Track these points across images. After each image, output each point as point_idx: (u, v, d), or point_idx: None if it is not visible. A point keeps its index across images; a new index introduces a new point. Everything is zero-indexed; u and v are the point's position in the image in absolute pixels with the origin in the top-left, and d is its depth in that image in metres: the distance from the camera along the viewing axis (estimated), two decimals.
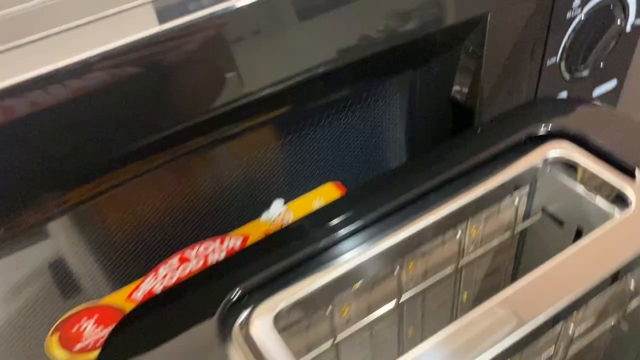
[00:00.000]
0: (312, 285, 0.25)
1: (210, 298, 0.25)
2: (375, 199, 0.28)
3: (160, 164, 0.29)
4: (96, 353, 0.33)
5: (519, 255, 0.35)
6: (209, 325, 0.24)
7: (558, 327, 0.26)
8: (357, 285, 0.27)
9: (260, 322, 0.24)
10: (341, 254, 0.26)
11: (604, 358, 0.32)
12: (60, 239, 0.29)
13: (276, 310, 0.24)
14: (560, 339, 0.27)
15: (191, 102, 0.25)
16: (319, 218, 0.28)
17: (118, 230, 0.30)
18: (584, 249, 0.25)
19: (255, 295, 0.25)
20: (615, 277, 0.25)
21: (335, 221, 0.28)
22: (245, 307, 0.25)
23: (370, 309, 0.29)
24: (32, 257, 0.29)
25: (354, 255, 0.26)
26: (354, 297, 0.28)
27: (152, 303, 0.27)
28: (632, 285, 0.27)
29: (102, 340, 0.33)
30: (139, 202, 0.30)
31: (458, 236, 0.30)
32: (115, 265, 0.31)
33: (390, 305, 0.30)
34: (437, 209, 0.28)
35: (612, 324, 0.29)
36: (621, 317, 0.29)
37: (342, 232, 0.27)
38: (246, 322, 0.24)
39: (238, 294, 0.25)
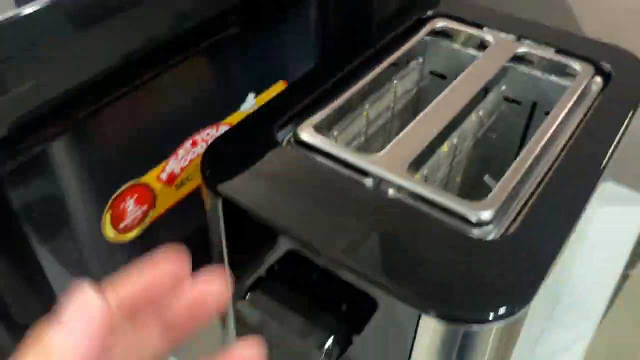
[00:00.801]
0: (335, 104, 0.37)
1: (267, 125, 0.35)
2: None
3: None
4: (134, 233, 0.40)
5: None
6: (269, 138, 0.34)
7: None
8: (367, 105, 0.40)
9: (306, 132, 0.35)
10: (343, 90, 0.38)
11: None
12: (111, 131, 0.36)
13: (315, 123, 0.36)
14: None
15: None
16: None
17: (149, 124, 0.38)
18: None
19: (296, 120, 0.36)
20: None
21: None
22: (292, 127, 0.36)
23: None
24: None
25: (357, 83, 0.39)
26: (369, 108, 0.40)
27: (226, 136, 0.36)
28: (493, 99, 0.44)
29: (139, 219, 0.40)
30: (160, 102, 0.38)
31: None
32: (148, 150, 0.39)
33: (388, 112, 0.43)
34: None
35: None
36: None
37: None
38: (295, 135, 0.35)
39: (285, 119, 0.36)
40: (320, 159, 0.34)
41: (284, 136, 0.36)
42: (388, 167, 0.33)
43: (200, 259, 0.47)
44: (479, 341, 0.26)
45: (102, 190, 0.36)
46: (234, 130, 0.37)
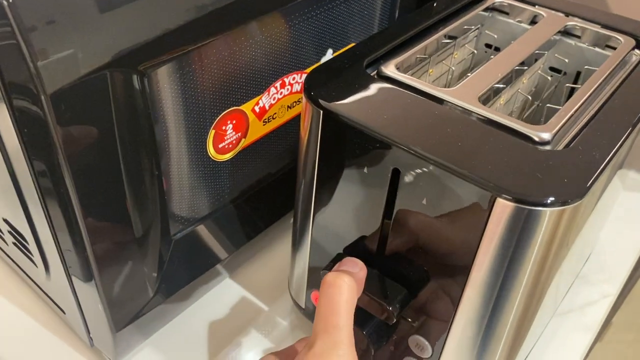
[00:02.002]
0: (407, 53, 0.43)
1: (357, 61, 0.42)
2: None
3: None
4: (227, 156, 0.46)
5: None
6: (359, 70, 0.41)
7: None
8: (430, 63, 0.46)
9: (388, 69, 0.41)
10: (412, 44, 0.45)
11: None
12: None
13: (395, 62, 0.42)
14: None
15: None
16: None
17: (248, 63, 0.45)
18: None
19: (380, 61, 0.42)
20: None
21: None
22: (376, 66, 0.42)
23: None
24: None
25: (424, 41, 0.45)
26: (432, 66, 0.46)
27: (323, 66, 0.42)
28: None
29: (233, 145, 0.47)
30: (256, 46, 0.45)
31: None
32: (247, 83, 0.45)
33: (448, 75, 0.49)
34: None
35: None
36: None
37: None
38: (380, 72, 0.41)
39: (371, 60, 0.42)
40: (402, 89, 0.40)
41: (369, 72, 0.42)
42: (461, 97, 0.39)
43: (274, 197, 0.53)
44: (539, 221, 0.32)
45: (211, 111, 0.43)
46: (330, 62, 0.43)
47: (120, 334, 0.45)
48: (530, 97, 0.46)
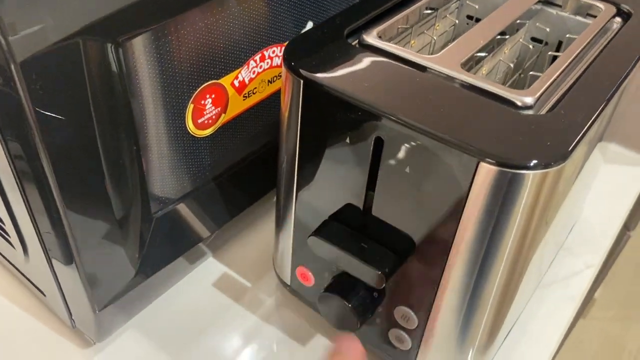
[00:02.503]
0: (393, 17, 0.43)
1: (337, 30, 0.41)
2: None
3: None
4: (207, 132, 0.46)
5: None
6: (340, 39, 0.40)
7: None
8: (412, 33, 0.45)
9: (370, 37, 0.41)
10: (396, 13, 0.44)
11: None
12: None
13: (377, 31, 0.41)
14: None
15: None
16: None
17: (226, 35, 0.44)
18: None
19: (361, 29, 0.42)
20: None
21: None
22: (357, 35, 0.41)
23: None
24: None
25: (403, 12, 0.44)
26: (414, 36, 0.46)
27: (304, 35, 0.42)
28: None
29: (213, 120, 0.46)
30: (235, 18, 0.44)
31: None
32: (226, 56, 0.44)
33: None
34: None
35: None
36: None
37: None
38: (362, 40, 0.41)
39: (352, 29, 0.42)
40: (384, 58, 0.39)
41: (350, 42, 0.41)
42: (443, 64, 0.38)
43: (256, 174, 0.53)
44: (522, 185, 0.32)
45: (189, 84, 0.42)
46: (310, 32, 0.42)
47: (102, 314, 0.44)
48: (512, 66, 0.46)
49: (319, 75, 0.37)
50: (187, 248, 0.49)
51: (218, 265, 0.55)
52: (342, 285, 0.44)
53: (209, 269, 0.55)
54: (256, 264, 0.56)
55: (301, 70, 0.37)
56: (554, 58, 0.49)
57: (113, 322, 0.48)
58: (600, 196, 0.64)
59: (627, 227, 0.76)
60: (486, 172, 0.32)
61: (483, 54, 0.44)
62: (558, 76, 0.39)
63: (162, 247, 0.47)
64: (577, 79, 0.39)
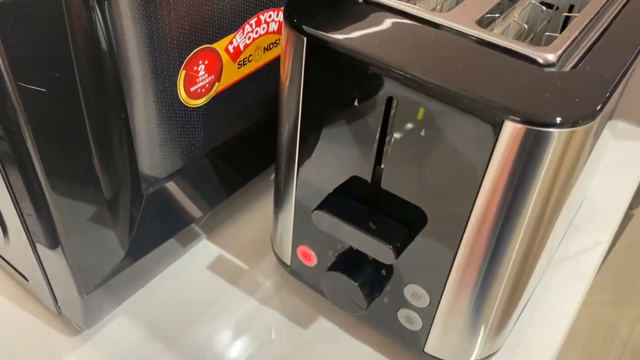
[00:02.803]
0: None
1: None
2: None
3: None
4: (201, 101, 0.43)
5: None
6: (346, 1, 0.37)
7: None
8: None
9: None
10: None
11: None
12: None
13: None
14: None
15: None
16: None
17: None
18: None
19: None
20: None
21: None
22: None
23: None
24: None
25: None
26: None
27: None
28: None
29: (207, 89, 0.43)
30: None
31: None
32: (220, 19, 0.41)
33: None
34: None
35: None
36: None
37: None
38: None
39: None
40: (393, 15, 0.36)
41: None
42: (457, 21, 0.36)
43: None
44: (548, 145, 0.29)
45: (180, 47, 0.39)
46: None
47: (90, 298, 0.41)
48: (525, 26, 0.43)
49: (324, 31, 0.34)
50: (180, 228, 0.46)
51: (213, 247, 0.52)
52: (348, 262, 0.41)
53: (203, 251, 0.52)
54: (253, 245, 0.53)
55: (304, 27, 0.34)
56: (567, 20, 0.47)
57: (101, 307, 0.45)
58: (608, 172, 0.62)
59: (630, 205, 0.74)
60: (511, 131, 0.29)
61: (495, 15, 0.41)
62: (578, 35, 0.36)
63: (153, 227, 0.44)
64: (597, 39, 0.37)
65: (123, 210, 0.41)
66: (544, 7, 0.48)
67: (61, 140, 0.34)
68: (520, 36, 0.46)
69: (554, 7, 0.48)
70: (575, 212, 0.57)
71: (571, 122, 0.29)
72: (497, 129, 0.30)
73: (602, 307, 1.60)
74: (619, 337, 1.54)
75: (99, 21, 0.33)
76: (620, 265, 1.69)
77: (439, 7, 0.48)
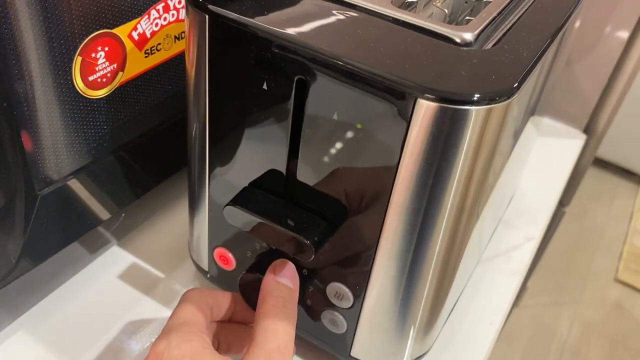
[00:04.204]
0: None
1: None
2: None
3: None
4: (102, 92, 0.39)
5: None
6: None
7: None
8: None
9: None
10: None
11: None
12: None
13: None
14: None
15: None
16: None
17: None
18: None
19: None
20: None
21: None
22: None
23: None
24: None
25: None
26: None
27: None
28: None
29: (109, 79, 0.39)
30: None
31: None
32: (118, 2, 0.38)
33: None
34: None
35: None
36: None
37: None
38: None
39: None
40: None
41: None
42: (374, 2, 0.34)
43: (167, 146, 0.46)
44: (465, 123, 0.28)
45: (74, 30, 0.35)
46: None
47: None
48: (446, 11, 0.42)
49: (227, 7, 0.31)
50: (83, 232, 0.42)
51: (125, 254, 0.48)
52: (265, 264, 0.38)
53: (113, 258, 0.48)
54: (170, 252, 0.49)
55: (206, 3, 0.32)
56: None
57: None
58: (536, 168, 0.62)
59: (561, 202, 0.74)
60: (425, 110, 0.27)
61: (414, 0, 0.39)
62: (497, 16, 0.35)
63: (51, 230, 0.39)
64: (517, 20, 0.36)
65: (18, 215, 0.37)
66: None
67: None
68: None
69: None
70: (505, 208, 0.56)
71: (488, 98, 0.28)
72: (410, 109, 0.28)
73: (541, 308, 1.63)
74: (557, 336, 1.56)
75: None
76: (556, 266, 1.72)
77: None
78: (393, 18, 0.33)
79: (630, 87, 0.67)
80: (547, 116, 0.71)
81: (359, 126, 0.30)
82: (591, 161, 0.72)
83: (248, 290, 0.38)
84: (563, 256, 1.77)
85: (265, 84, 0.32)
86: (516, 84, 0.29)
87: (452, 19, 0.46)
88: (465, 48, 0.31)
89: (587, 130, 0.70)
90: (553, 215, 0.64)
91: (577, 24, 0.44)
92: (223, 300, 0.37)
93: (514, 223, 0.56)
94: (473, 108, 0.27)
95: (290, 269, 0.36)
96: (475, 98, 0.27)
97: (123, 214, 0.47)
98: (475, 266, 0.50)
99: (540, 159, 0.64)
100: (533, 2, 0.38)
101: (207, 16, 0.31)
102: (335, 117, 0.30)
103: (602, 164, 2.03)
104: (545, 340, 1.55)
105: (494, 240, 0.54)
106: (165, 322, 0.34)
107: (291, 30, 0.30)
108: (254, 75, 0.32)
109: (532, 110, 0.44)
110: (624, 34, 0.64)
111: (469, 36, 0.32)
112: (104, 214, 0.43)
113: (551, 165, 0.64)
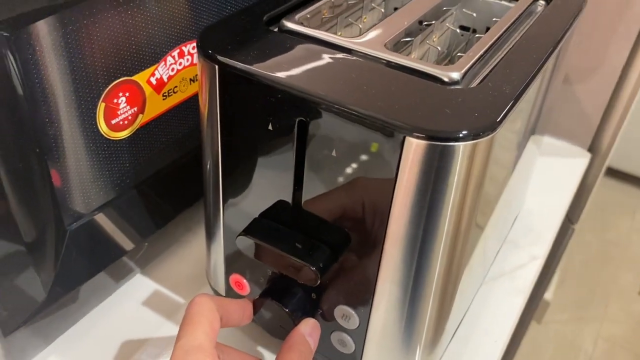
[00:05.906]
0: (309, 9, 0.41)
1: (256, 16, 0.39)
2: None
3: None
4: (124, 133, 0.42)
5: None
6: (260, 29, 0.38)
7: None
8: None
9: (290, 22, 0.39)
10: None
11: None
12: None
13: (297, 16, 0.39)
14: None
15: None
16: None
17: (141, 28, 0.41)
18: None
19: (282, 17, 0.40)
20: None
21: None
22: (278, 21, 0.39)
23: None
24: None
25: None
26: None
27: (219, 22, 0.39)
28: None
29: (130, 121, 0.43)
30: (151, 10, 0.41)
31: None
32: (140, 51, 0.41)
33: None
34: None
35: None
36: None
37: None
38: (282, 26, 0.39)
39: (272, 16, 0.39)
40: (305, 42, 0.37)
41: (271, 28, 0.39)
42: (368, 46, 0.37)
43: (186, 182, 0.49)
44: (454, 157, 0.30)
45: (97, 80, 0.39)
46: (227, 19, 0.40)
47: (12, 339, 0.40)
48: (439, 49, 0.45)
49: (235, 58, 0.34)
50: (108, 264, 0.45)
51: (148, 281, 0.51)
52: (277, 288, 0.41)
53: (137, 286, 0.51)
54: (189, 279, 0.52)
55: (216, 55, 0.35)
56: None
57: (27, 346, 0.43)
58: (540, 187, 0.64)
59: (570, 220, 0.76)
60: (414, 147, 0.30)
61: (409, 39, 0.42)
62: (484, 54, 0.38)
63: (79, 262, 0.43)
64: (503, 57, 0.38)
65: (45, 249, 0.41)
66: (462, 32, 0.50)
67: None
68: (438, 61, 0.48)
69: (471, 29, 0.50)
70: (510, 228, 0.58)
71: (472, 134, 0.30)
72: (399, 146, 0.30)
73: (563, 325, 1.62)
74: (582, 352, 1.55)
75: (8, 57, 0.32)
76: (579, 281, 1.72)
77: (361, 30, 0.49)
78: (386, 61, 0.36)
79: (632, 103, 0.68)
80: (550, 136, 0.73)
81: (354, 165, 0.33)
82: (597, 178, 0.73)
83: (260, 314, 0.41)
84: (586, 271, 1.76)
85: (270, 124, 0.35)
86: (498, 119, 0.31)
87: (449, 53, 0.49)
88: (452, 87, 0.34)
89: (592, 148, 0.72)
90: (561, 233, 0.66)
91: (577, 42, 0.46)
92: (232, 310, 0.39)
93: (519, 242, 0.58)
94: (459, 144, 0.30)
95: (316, 328, 0.40)
96: (460, 135, 0.30)
97: (146, 244, 0.50)
98: (480, 285, 0.52)
99: (545, 178, 0.65)
100: (521, 37, 0.40)
101: (216, 66, 0.35)
102: (333, 153, 0.33)
103: (623, 177, 2.02)
104: (569, 357, 1.54)
105: (499, 259, 0.56)
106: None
107: (292, 78, 0.33)
108: (260, 117, 0.35)
109: (532, 131, 0.46)
110: (625, 52, 0.66)
111: (455, 75, 0.34)
112: (128, 244, 0.47)
113: (556, 184, 0.66)
